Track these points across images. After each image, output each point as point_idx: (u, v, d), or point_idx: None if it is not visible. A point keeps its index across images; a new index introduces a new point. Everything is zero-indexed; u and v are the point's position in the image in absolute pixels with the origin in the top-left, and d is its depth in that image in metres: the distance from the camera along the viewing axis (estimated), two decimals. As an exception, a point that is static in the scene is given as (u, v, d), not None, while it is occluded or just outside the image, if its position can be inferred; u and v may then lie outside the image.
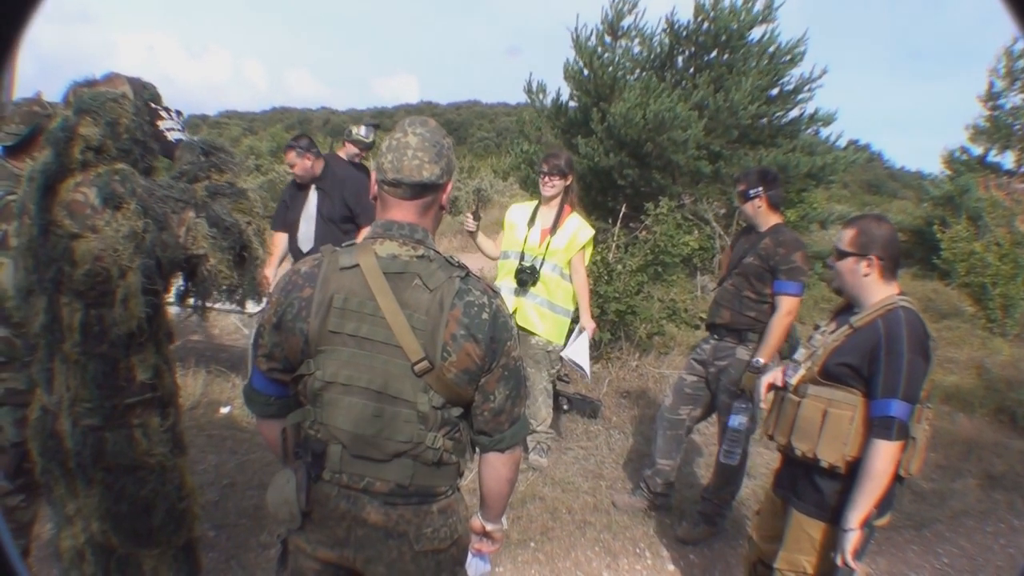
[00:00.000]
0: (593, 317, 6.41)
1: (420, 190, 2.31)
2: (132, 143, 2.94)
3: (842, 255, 3.28)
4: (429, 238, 2.37)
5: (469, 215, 5.87)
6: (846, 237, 3.28)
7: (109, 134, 2.85)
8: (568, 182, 5.88)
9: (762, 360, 4.80)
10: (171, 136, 3.22)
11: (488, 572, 2.76)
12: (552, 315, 5.93)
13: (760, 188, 5.00)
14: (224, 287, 3.15)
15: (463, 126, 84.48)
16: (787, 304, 4.86)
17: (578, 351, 6.09)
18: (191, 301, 3.28)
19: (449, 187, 2.42)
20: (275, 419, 2.46)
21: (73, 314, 2.77)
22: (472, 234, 5.96)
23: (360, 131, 7.33)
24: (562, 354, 6.10)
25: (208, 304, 3.33)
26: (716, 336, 5.27)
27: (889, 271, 3.23)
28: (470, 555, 2.65)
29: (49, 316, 2.79)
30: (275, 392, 2.43)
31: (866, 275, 3.22)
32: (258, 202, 3.30)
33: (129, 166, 2.90)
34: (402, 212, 2.34)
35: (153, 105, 3.16)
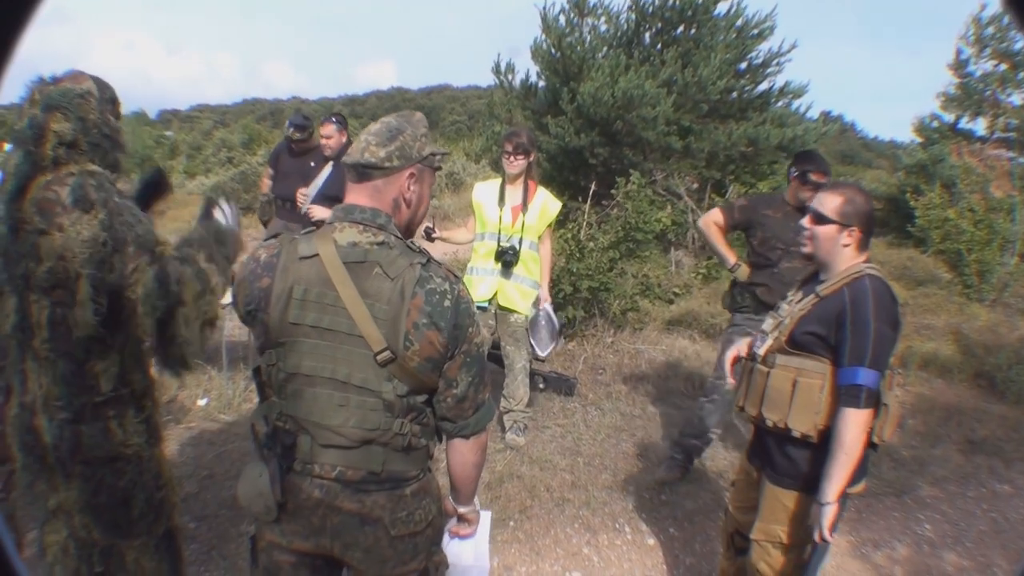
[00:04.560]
0: (566, 295, 6.42)
1: (363, 171, 2.31)
2: (101, 137, 2.95)
3: (824, 221, 3.17)
4: (391, 224, 2.34)
5: (422, 234, 5.81)
6: (831, 204, 3.16)
7: (80, 129, 2.85)
8: (532, 158, 5.84)
9: None
10: None
11: (486, 568, 2.77)
12: (531, 291, 5.96)
13: (829, 175, 5.01)
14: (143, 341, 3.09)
15: (435, 110, 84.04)
16: None
17: (547, 318, 6.14)
18: None
19: (405, 174, 2.35)
20: None
21: (41, 311, 2.76)
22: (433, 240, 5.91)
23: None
24: (546, 309, 6.13)
25: None
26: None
27: (864, 243, 3.18)
28: (447, 537, 2.66)
29: (20, 315, 2.79)
30: None
31: (846, 245, 3.15)
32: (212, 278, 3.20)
33: (99, 162, 2.91)
34: (355, 195, 2.35)
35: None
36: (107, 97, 3.05)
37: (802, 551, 3.19)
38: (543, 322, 6.12)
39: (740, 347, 3.58)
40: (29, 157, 2.77)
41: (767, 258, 5.20)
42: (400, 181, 2.35)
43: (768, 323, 3.39)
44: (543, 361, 7.37)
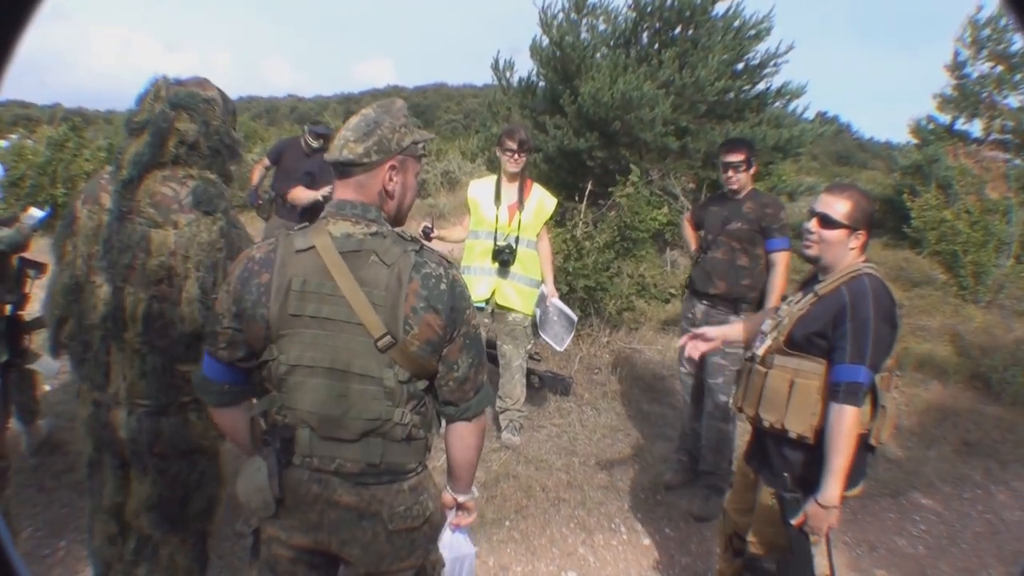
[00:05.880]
0: (562, 295, 6.44)
1: (344, 168, 2.34)
2: (222, 145, 3.01)
3: (834, 225, 3.15)
4: (381, 216, 2.37)
5: (420, 233, 5.78)
6: (840, 208, 3.14)
7: (203, 133, 2.91)
8: (530, 155, 5.85)
9: None
10: None
11: (472, 553, 2.77)
12: (529, 290, 5.94)
13: (754, 157, 5.21)
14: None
15: (430, 109, 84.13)
16: (784, 259, 5.12)
17: (559, 313, 6.18)
18: None
19: (386, 166, 2.36)
20: (230, 407, 2.46)
21: (137, 304, 2.77)
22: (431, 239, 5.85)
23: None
24: (556, 303, 6.17)
25: None
26: (708, 303, 5.38)
27: (866, 245, 3.20)
28: (448, 531, 2.66)
29: (111, 307, 2.79)
30: (231, 379, 2.42)
31: (852, 248, 3.17)
32: None
33: (215, 170, 2.98)
34: (342, 191, 2.38)
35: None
36: (229, 109, 3.10)
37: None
38: (554, 317, 6.14)
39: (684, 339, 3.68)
40: (152, 150, 2.80)
41: (702, 248, 5.48)
42: (381, 174, 2.35)
43: (767, 324, 3.38)
44: (539, 361, 7.37)
